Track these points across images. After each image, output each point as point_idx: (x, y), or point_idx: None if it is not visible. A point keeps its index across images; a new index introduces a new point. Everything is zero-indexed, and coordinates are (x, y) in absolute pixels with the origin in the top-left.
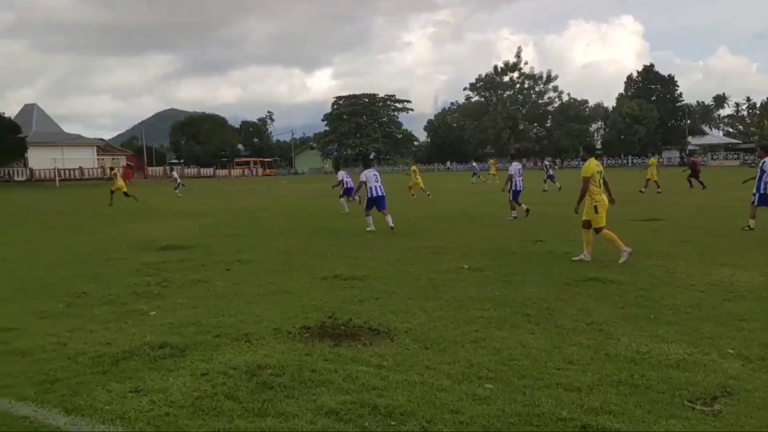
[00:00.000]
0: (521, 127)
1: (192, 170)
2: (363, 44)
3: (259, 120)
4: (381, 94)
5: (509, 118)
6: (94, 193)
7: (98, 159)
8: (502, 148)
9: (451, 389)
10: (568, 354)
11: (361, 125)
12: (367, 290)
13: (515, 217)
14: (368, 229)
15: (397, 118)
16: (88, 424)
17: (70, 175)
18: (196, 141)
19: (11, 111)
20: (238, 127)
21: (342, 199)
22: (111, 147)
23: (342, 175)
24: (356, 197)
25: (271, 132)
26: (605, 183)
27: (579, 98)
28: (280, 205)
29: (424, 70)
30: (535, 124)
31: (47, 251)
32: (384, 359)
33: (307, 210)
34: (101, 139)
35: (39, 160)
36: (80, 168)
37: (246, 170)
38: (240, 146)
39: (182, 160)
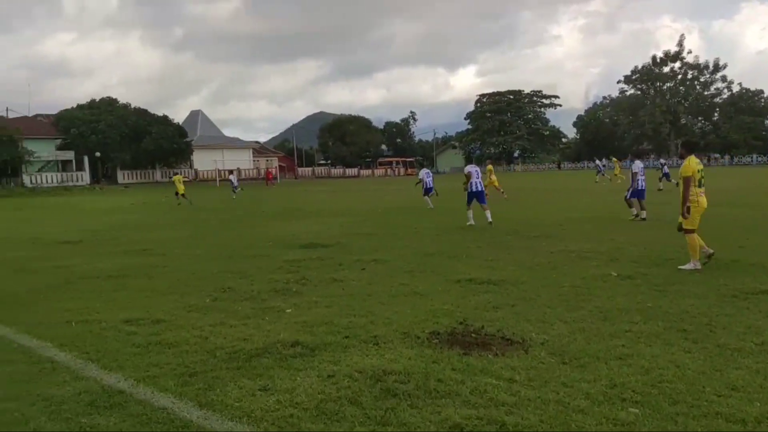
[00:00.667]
0: (683, 121)
1: (338, 170)
2: (509, 40)
3: (402, 120)
4: (527, 90)
5: (669, 111)
6: (248, 194)
7: (254, 160)
8: (660, 143)
9: (590, 411)
10: (732, 379)
11: (505, 123)
12: (503, 296)
13: (637, 216)
14: (468, 223)
15: (544, 114)
16: (218, 420)
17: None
18: (343, 142)
19: (179, 117)
20: (382, 127)
21: (426, 197)
22: (265, 149)
23: (423, 173)
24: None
25: (413, 132)
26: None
27: (752, 88)
28: (417, 204)
29: (573, 64)
30: (700, 118)
31: (203, 247)
32: (516, 373)
33: (446, 209)
34: (257, 142)
35: (203, 161)
36: (238, 169)
37: (388, 170)
38: (383, 146)
39: (329, 161)
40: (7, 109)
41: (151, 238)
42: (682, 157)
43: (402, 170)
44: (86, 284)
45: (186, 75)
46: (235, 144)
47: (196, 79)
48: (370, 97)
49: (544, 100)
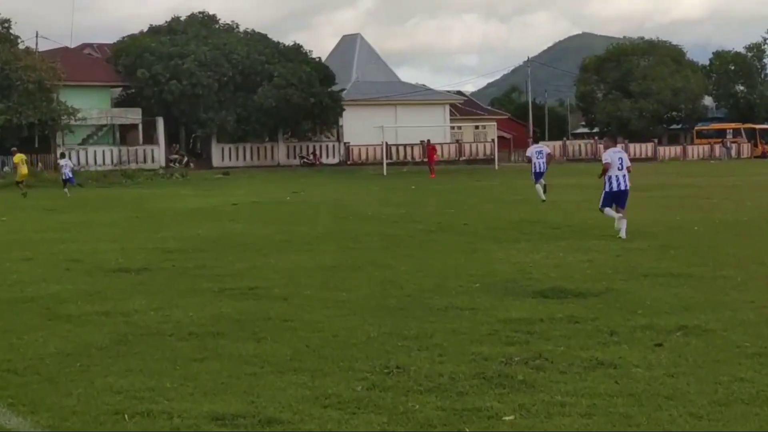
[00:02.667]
0: None
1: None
2: None
3: (751, 48)
4: None
5: None
6: (443, 187)
7: (452, 128)
8: None
9: None
10: None
11: None
12: None
13: None
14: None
15: None
16: None
17: (403, 153)
18: (624, 92)
19: (322, 48)
20: (707, 63)
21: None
22: (474, 107)
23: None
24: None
25: None
26: None
27: None
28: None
29: None
30: None
31: (353, 286)
32: None
33: None
34: (460, 94)
35: (358, 126)
36: (423, 142)
37: (719, 146)
38: (706, 101)
39: (597, 128)
40: (36, 35)
41: (264, 267)
42: None
43: (746, 146)
44: (151, 346)
45: None
46: (419, 96)
47: None
48: (683, 4)
49: None
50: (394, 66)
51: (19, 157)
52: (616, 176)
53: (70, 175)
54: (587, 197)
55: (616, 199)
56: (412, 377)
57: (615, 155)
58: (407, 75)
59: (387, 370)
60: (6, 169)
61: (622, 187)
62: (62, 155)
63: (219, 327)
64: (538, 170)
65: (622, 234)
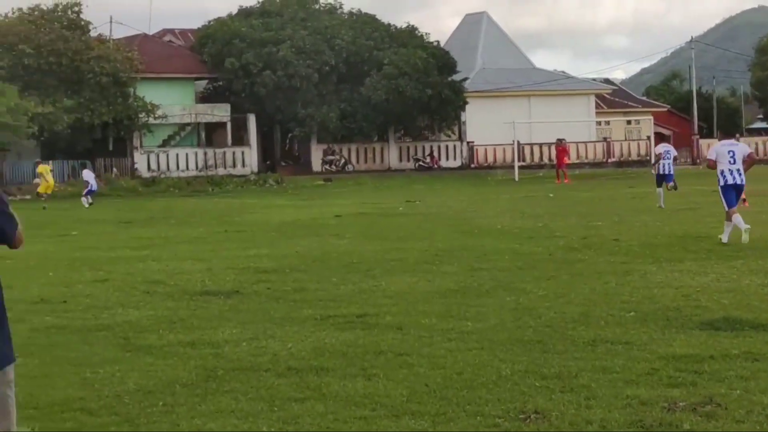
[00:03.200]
0: None
1: None
2: None
3: None
4: None
5: None
6: (588, 195)
7: (597, 123)
8: None
9: None
10: None
11: None
12: None
13: None
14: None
15: None
16: None
17: (539, 154)
18: None
19: (442, 28)
20: None
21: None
22: (625, 97)
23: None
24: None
25: None
26: None
27: None
28: None
29: None
30: None
31: (480, 313)
32: None
33: None
34: (607, 82)
35: (482, 122)
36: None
37: None
38: None
39: None
40: (111, 21)
41: (374, 291)
42: None
43: None
44: (244, 383)
45: None
46: (558, 86)
47: None
48: None
49: None
50: (528, 50)
51: (43, 168)
52: (729, 170)
53: (94, 188)
54: None
55: (734, 192)
56: (553, 424)
57: (723, 148)
58: (543, 60)
59: (523, 415)
60: (36, 180)
61: (738, 182)
62: (83, 165)
63: (322, 361)
64: (662, 172)
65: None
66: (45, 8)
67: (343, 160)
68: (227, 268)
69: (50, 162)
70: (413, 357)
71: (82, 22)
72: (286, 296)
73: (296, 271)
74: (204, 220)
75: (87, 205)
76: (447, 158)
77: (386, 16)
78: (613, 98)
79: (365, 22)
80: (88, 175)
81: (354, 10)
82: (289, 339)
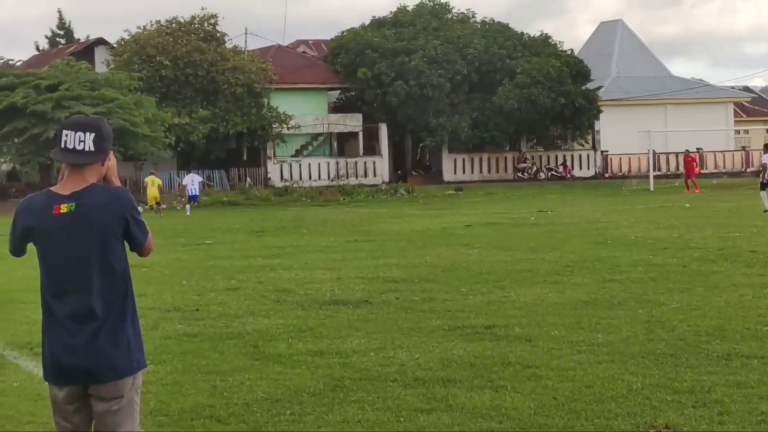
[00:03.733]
0: None
1: None
2: None
3: None
4: None
5: None
6: (725, 206)
7: (736, 132)
8: None
9: None
10: None
11: None
12: None
13: None
14: None
15: None
16: None
17: (674, 164)
18: None
19: (576, 36)
20: None
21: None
22: (764, 105)
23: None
24: None
25: None
26: None
27: None
28: None
29: None
30: None
31: (619, 324)
32: None
33: None
34: (747, 90)
35: (616, 129)
36: (699, 150)
37: None
38: None
39: None
40: (246, 32)
41: (503, 302)
42: None
43: None
44: (371, 393)
45: None
46: (695, 94)
47: None
48: None
49: None
50: (664, 58)
51: (150, 179)
52: None
53: (197, 192)
54: None
55: None
56: None
57: None
58: (680, 68)
59: (653, 429)
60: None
61: None
62: (189, 171)
63: (449, 372)
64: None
65: None
66: (182, 20)
67: (534, 168)
68: (356, 278)
69: (152, 173)
70: (542, 369)
71: (218, 34)
72: (414, 306)
73: (425, 281)
74: (334, 229)
75: (189, 214)
76: (580, 167)
77: (519, 25)
78: (752, 106)
79: (498, 30)
80: (189, 179)
81: (487, 19)
82: (417, 349)
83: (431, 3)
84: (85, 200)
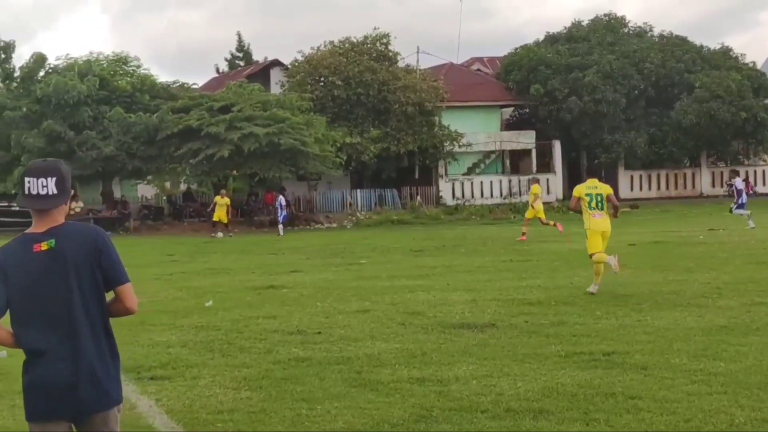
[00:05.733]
0: None
1: None
2: None
3: None
4: None
5: None
6: None
7: None
8: None
9: None
10: None
11: None
12: None
13: None
14: None
15: None
16: None
17: None
18: None
19: (763, 49)
20: None
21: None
22: None
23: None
24: None
25: None
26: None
27: None
28: None
29: None
30: None
31: (746, 348)
32: None
33: None
34: None
35: None
36: None
37: None
38: None
39: None
40: (417, 51)
41: (634, 326)
42: None
43: None
44: (455, 424)
45: None
46: None
47: None
48: None
49: None
50: None
51: (223, 201)
52: None
53: (284, 213)
54: None
55: None
56: None
57: None
58: None
59: None
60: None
61: None
62: (282, 189)
63: (545, 403)
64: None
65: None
66: (355, 41)
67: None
68: (493, 300)
69: (223, 192)
70: (645, 400)
71: (390, 54)
72: (540, 330)
73: (562, 304)
74: (494, 248)
75: (282, 233)
76: (764, 183)
77: (700, 38)
78: None
79: (675, 44)
80: (282, 201)
81: (665, 32)
82: (523, 377)
83: (606, 18)
84: (62, 236)
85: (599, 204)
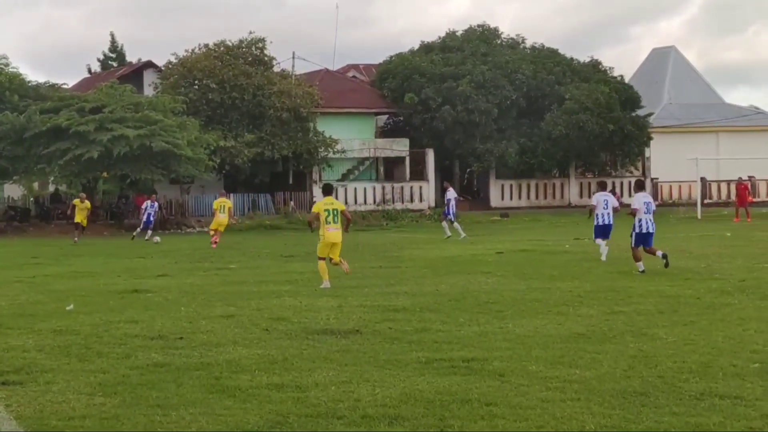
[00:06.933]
0: None
1: None
2: None
3: None
4: None
5: None
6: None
7: None
8: None
9: None
10: None
11: None
12: None
13: None
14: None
15: None
16: None
17: (726, 192)
18: None
19: (631, 62)
20: None
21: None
22: None
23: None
24: None
25: None
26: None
27: None
28: None
29: None
30: None
31: (601, 355)
32: None
33: None
34: None
35: (668, 158)
36: (752, 178)
37: None
38: None
39: None
40: (293, 56)
41: (496, 333)
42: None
43: None
44: (311, 430)
45: None
46: (748, 122)
47: None
48: None
49: None
50: (727, 85)
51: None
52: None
53: (152, 219)
54: None
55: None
56: None
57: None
58: (743, 96)
59: None
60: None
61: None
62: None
63: (402, 409)
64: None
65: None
66: (230, 44)
67: None
68: (359, 306)
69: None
70: (500, 407)
71: (266, 58)
72: (403, 337)
73: (426, 311)
74: (364, 255)
75: (148, 237)
76: (630, 194)
77: (571, 50)
78: None
79: (547, 56)
80: (152, 205)
81: (537, 45)
82: (382, 383)
83: (480, 29)
84: None
85: (335, 218)
